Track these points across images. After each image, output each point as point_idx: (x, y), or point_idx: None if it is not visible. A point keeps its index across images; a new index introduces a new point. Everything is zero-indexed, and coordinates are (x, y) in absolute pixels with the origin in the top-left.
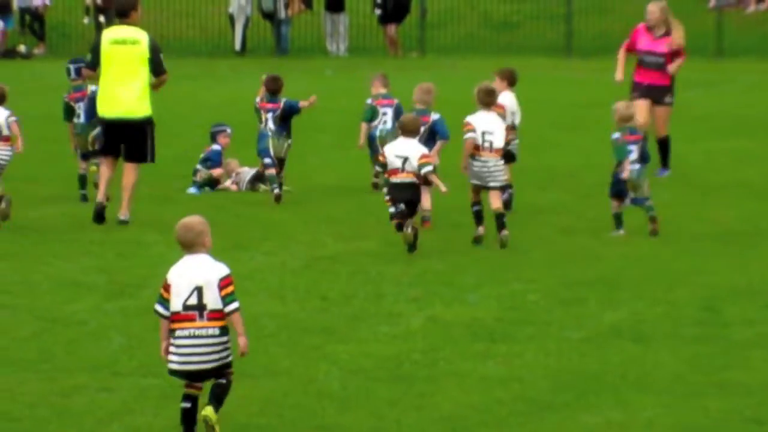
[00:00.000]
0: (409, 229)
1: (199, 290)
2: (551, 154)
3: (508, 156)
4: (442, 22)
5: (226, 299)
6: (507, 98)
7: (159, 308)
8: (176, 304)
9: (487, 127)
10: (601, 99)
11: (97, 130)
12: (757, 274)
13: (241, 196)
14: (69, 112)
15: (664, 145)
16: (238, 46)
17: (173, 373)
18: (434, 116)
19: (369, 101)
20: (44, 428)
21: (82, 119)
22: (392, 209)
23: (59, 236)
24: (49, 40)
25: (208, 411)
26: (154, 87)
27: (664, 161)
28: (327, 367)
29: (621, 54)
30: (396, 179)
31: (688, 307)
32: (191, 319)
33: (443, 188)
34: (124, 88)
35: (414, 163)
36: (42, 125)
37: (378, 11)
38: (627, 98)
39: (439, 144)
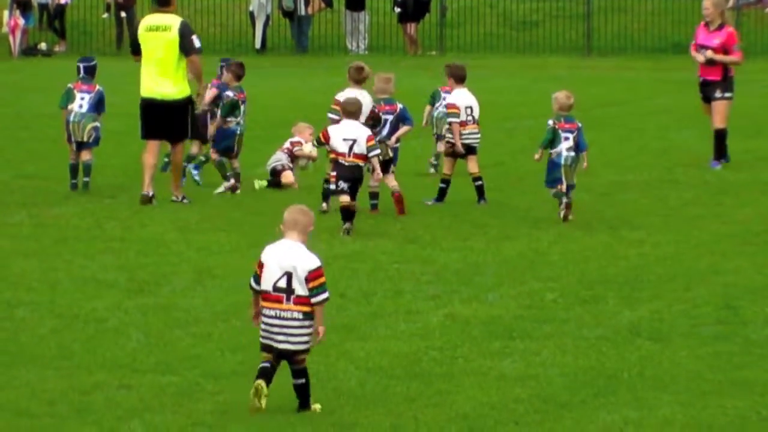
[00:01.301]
0: (346, 233)
1: (288, 275)
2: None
3: (469, 149)
4: (462, 21)
5: (313, 291)
6: (458, 95)
7: (252, 283)
8: (267, 284)
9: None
10: (619, 97)
11: (95, 123)
12: None
13: (262, 194)
14: (67, 98)
15: (717, 137)
16: (258, 44)
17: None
18: (400, 105)
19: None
20: (63, 425)
21: (83, 109)
22: (333, 186)
23: (79, 234)
24: (70, 37)
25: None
26: (192, 73)
27: (716, 153)
28: (345, 365)
29: (693, 52)
30: (343, 161)
31: (707, 305)
32: (279, 301)
33: (379, 175)
34: (159, 71)
35: (363, 145)
36: (62, 123)
37: (398, 10)
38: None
39: (404, 129)
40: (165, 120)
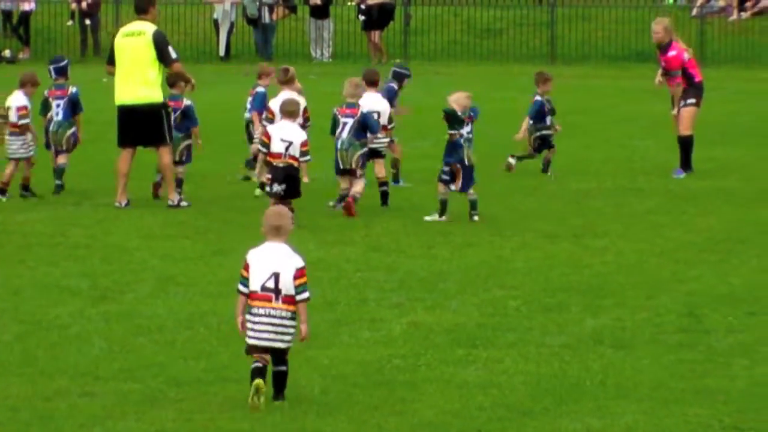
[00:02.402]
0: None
1: (276, 276)
2: (534, 160)
3: (375, 153)
4: (426, 29)
5: (298, 289)
6: (368, 98)
7: (240, 287)
8: (255, 285)
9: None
10: (583, 105)
11: (73, 129)
12: (739, 281)
13: (229, 202)
14: (45, 107)
15: (681, 145)
16: (222, 51)
17: (249, 348)
18: (364, 110)
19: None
20: None
21: (60, 117)
22: (268, 188)
23: (43, 240)
24: (34, 44)
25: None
26: (177, 80)
27: (681, 162)
28: (308, 372)
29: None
30: (278, 163)
31: (670, 314)
32: (268, 300)
33: (306, 179)
34: (133, 77)
35: (297, 149)
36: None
37: (362, 18)
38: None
39: (370, 138)
40: (141, 126)
